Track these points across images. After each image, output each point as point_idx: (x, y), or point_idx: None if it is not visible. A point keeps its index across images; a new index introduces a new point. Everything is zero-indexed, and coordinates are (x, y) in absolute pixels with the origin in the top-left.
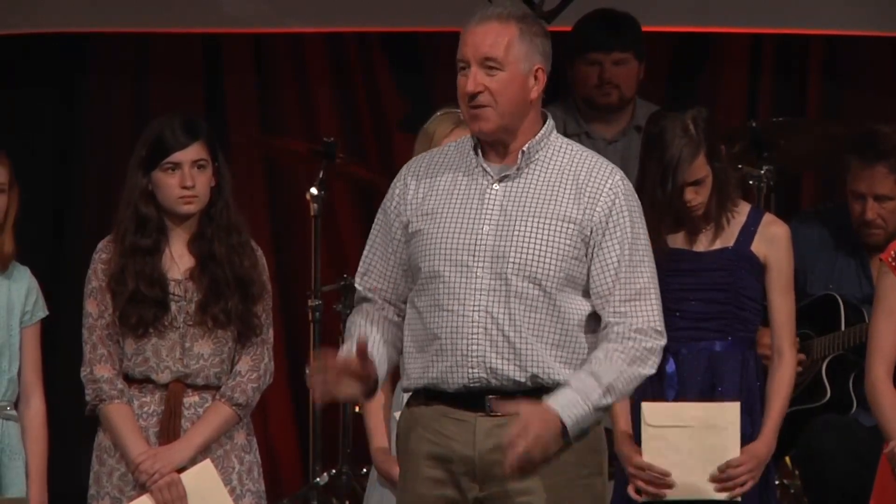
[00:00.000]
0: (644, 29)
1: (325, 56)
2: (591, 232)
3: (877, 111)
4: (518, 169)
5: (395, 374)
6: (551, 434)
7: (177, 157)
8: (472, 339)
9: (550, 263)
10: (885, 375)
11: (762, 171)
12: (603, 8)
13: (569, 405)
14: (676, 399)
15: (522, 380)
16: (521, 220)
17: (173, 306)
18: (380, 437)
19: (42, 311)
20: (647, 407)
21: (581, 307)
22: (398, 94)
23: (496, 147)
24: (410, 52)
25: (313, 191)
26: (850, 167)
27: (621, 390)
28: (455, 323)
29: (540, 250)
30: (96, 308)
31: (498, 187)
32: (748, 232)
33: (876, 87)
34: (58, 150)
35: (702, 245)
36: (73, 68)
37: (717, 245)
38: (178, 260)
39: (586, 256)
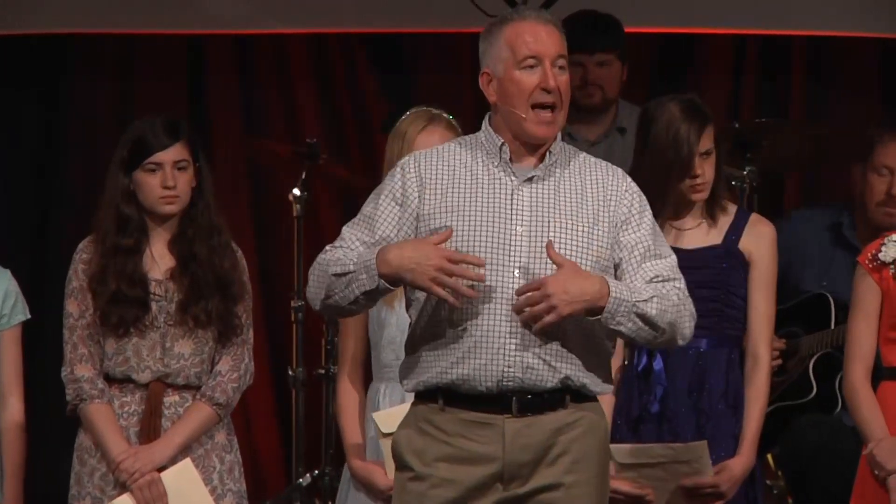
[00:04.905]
0: (627, 30)
1: (308, 57)
2: (616, 227)
3: (860, 112)
4: (543, 171)
5: (366, 375)
6: (587, 294)
7: (158, 157)
8: (509, 337)
9: (585, 265)
10: (864, 377)
11: (745, 172)
12: (586, 9)
13: (615, 284)
14: (664, 396)
15: (554, 381)
16: (554, 222)
17: (154, 306)
18: (354, 438)
19: (21, 315)
20: (615, 448)
21: None
22: (381, 96)
23: (528, 148)
24: (393, 53)
25: (296, 192)
26: (878, 143)
27: (662, 309)
28: (492, 321)
29: (575, 252)
30: (77, 308)
31: (525, 188)
32: (736, 230)
33: (859, 88)
34: (41, 152)
35: (691, 243)
36: (56, 69)
37: (706, 243)
38: (158, 260)
39: (616, 250)
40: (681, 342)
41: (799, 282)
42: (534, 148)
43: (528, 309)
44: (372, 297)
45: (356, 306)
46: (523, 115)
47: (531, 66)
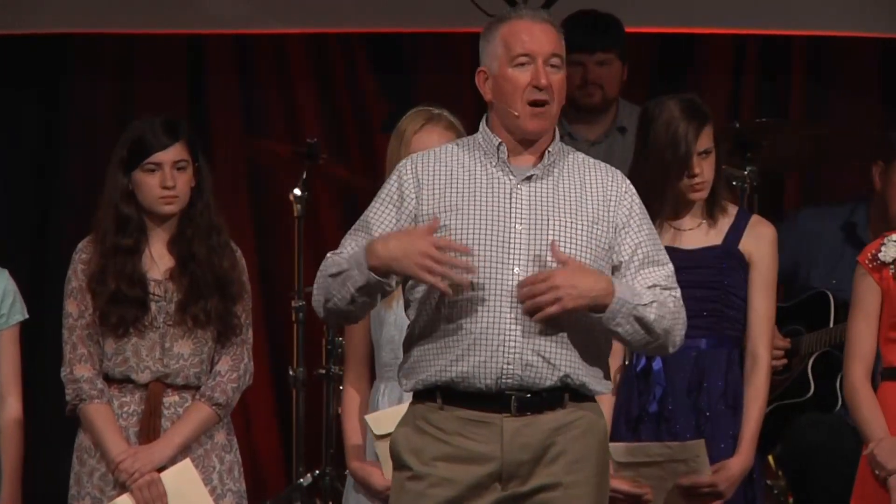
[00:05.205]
0: (627, 30)
1: (309, 57)
2: (615, 229)
3: (860, 112)
4: (542, 170)
5: (373, 375)
6: (594, 290)
7: (157, 157)
8: (509, 334)
9: (584, 263)
10: (864, 377)
11: (745, 172)
12: (586, 9)
13: (620, 285)
14: (663, 396)
15: (553, 379)
16: (553, 221)
17: (153, 306)
18: (354, 439)
19: (20, 315)
20: (612, 447)
21: None
22: (381, 96)
23: (521, 147)
24: (393, 53)
25: (296, 192)
26: None
27: (660, 315)
28: (491, 319)
29: (574, 250)
30: (76, 308)
31: (523, 187)
32: (737, 230)
33: (859, 88)
34: (41, 152)
35: (690, 243)
36: (56, 69)
37: (706, 243)
38: (158, 260)
39: (613, 251)
40: (671, 350)
41: (808, 280)
42: (531, 146)
43: (532, 301)
44: (367, 292)
45: (355, 307)
46: (516, 113)
47: (523, 64)
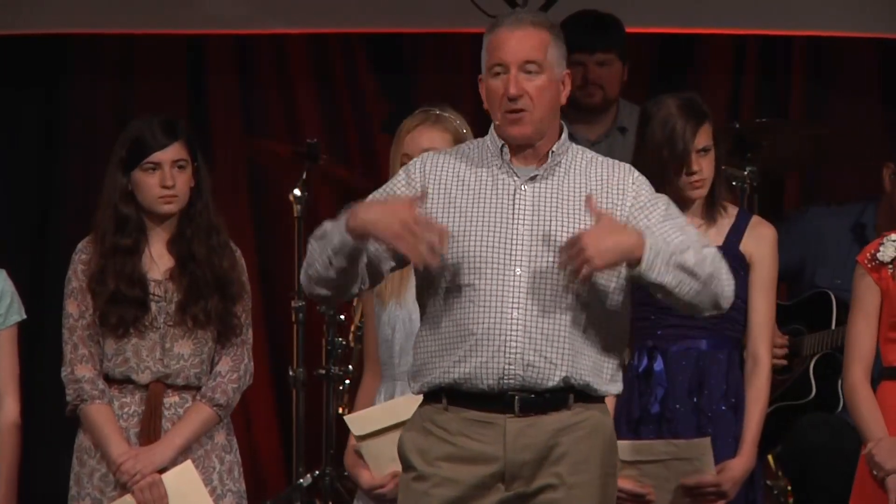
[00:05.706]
0: (628, 30)
1: (309, 57)
2: (626, 219)
3: (860, 112)
4: (545, 170)
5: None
6: (621, 244)
7: (157, 156)
8: (510, 335)
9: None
10: (863, 377)
11: (745, 173)
12: (586, 9)
13: (652, 237)
14: (665, 397)
15: (555, 379)
16: (556, 221)
17: (153, 306)
18: (353, 438)
19: (17, 315)
20: (619, 445)
21: (611, 308)
22: (381, 96)
23: (523, 149)
24: (393, 53)
25: (296, 192)
26: None
27: (701, 258)
28: (493, 319)
29: None
30: (77, 308)
31: (527, 188)
32: (737, 231)
33: (858, 88)
34: (41, 152)
35: None
36: (56, 69)
37: None
38: (157, 260)
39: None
40: (724, 304)
41: (814, 278)
42: (534, 147)
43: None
44: (344, 255)
45: (334, 272)
46: (497, 122)
47: (499, 74)
